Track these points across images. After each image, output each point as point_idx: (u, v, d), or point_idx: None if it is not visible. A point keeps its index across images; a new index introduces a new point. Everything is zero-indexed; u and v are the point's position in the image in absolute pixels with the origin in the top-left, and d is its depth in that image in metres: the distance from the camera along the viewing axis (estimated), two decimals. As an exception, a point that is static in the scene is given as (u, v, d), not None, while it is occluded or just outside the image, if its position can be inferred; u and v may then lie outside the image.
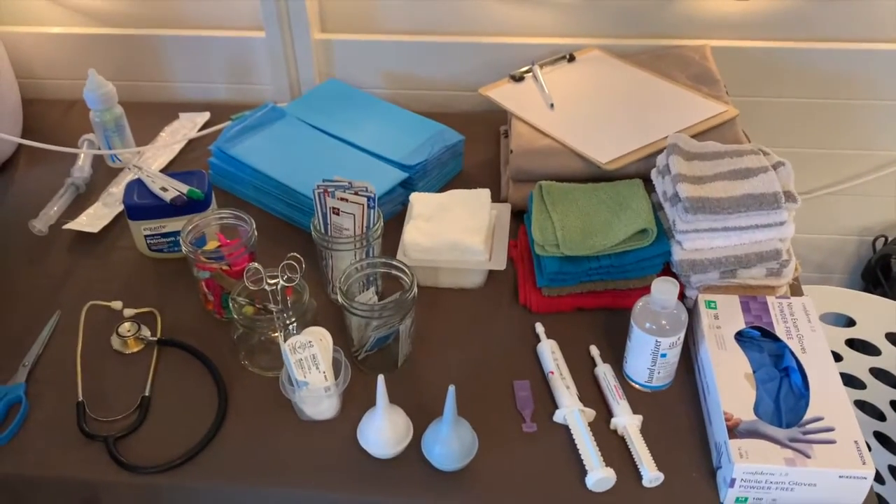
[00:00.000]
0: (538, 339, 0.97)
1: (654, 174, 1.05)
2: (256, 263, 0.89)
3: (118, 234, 1.15)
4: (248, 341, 0.95)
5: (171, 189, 1.06)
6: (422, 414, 0.86)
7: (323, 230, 0.98)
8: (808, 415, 0.81)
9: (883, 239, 1.53)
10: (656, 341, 0.86)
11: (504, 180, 1.19)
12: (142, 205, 1.06)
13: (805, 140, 1.44)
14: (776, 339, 0.90)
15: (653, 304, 0.86)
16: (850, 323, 1.38)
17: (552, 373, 0.91)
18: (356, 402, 0.89)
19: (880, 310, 1.35)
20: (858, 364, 1.39)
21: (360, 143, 1.21)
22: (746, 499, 0.79)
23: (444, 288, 1.05)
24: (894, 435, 1.40)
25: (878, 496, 1.43)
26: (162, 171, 1.22)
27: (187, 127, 1.38)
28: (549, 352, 0.94)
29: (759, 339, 0.91)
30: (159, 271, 1.09)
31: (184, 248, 0.95)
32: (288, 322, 0.88)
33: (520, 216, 1.11)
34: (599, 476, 0.80)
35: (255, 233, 0.98)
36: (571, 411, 0.86)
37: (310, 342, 0.84)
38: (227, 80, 1.45)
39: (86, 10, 1.42)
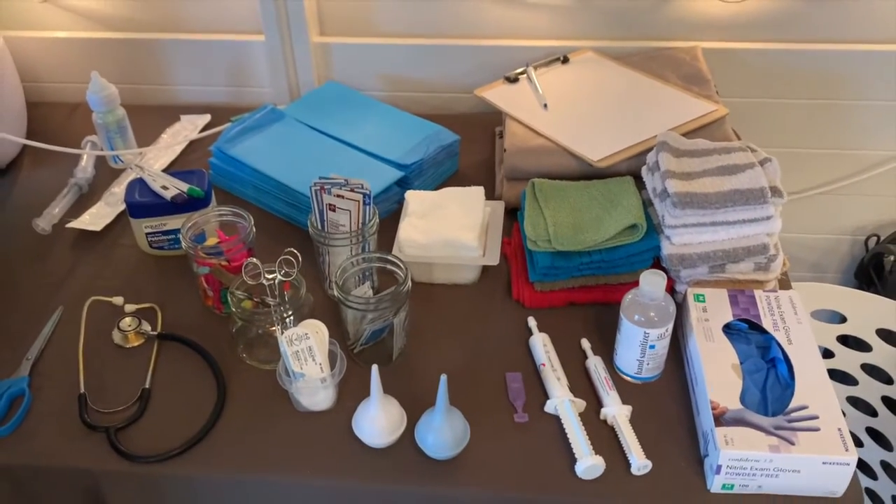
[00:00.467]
0: (530, 333, 0.99)
1: (644, 171, 1.07)
2: (255, 259, 0.91)
3: (120, 232, 1.17)
4: (247, 335, 0.98)
5: (172, 187, 1.09)
6: (416, 405, 0.88)
7: (320, 226, 1.00)
8: (793, 403, 0.82)
9: (875, 238, 1.55)
10: (645, 333, 0.88)
11: (498, 179, 1.21)
12: (143, 203, 1.08)
13: (796, 140, 1.45)
14: (763, 331, 0.92)
15: (641, 296, 0.88)
16: (842, 320, 1.39)
17: (544, 365, 0.93)
18: (352, 393, 0.91)
19: (871, 306, 1.36)
20: (850, 360, 1.41)
21: (358, 143, 1.23)
22: (733, 485, 0.81)
23: (439, 284, 1.07)
24: (886, 430, 1.41)
25: (871, 491, 1.44)
26: (163, 171, 1.24)
27: (188, 129, 1.40)
28: (541, 345, 0.96)
29: (746, 332, 0.93)
30: (160, 268, 1.11)
31: (184, 244, 0.97)
32: (285, 316, 0.90)
33: (514, 214, 1.13)
34: (589, 463, 0.82)
35: (254, 229, 1.00)
36: (562, 401, 0.88)
37: (306, 334, 0.86)
38: (228, 83, 1.48)
39: (89, 15, 1.45)
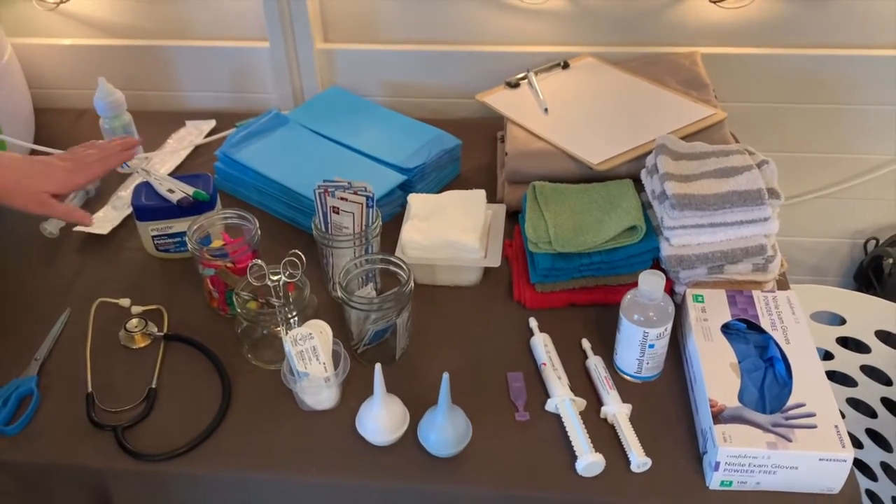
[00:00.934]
0: (531, 334, 1.00)
1: (643, 174, 1.08)
2: (259, 260, 0.92)
3: (126, 235, 1.19)
4: (252, 335, 0.99)
5: (178, 191, 1.10)
6: (419, 404, 0.89)
7: (323, 228, 1.01)
8: (791, 401, 0.84)
9: (874, 241, 1.56)
10: (644, 332, 0.89)
11: (500, 182, 1.23)
12: (149, 206, 1.10)
13: (795, 144, 1.47)
14: (761, 330, 0.93)
15: (640, 296, 0.89)
16: (842, 322, 1.40)
17: (544, 364, 0.94)
18: (355, 392, 0.92)
19: (871, 308, 1.37)
20: (850, 362, 1.41)
21: (361, 147, 1.25)
22: (731, 482, 0.82)
23: (441, 285, 1.08)
24: (886, 432, 1.42)
25: (871, 492, 1.45)
26: (169, 175, 1.25)
27: (193, 134, 1.42)
28: (542, 345, 0.97)
29: (744, 331, 0.94)
30: (166, 270, 1.13)
31: (190, 246, 0.98)
32: (289, 316, 0.92)
33: (515, 217, 1.15)
34: (589, 461, 0.83)
35: (259, 231, 1.01)
36: (563, 400, 0.89)
37: (310, 334, 0.87)
38: (233, 89, 1.50)
39: (96, 23, 1.47)
